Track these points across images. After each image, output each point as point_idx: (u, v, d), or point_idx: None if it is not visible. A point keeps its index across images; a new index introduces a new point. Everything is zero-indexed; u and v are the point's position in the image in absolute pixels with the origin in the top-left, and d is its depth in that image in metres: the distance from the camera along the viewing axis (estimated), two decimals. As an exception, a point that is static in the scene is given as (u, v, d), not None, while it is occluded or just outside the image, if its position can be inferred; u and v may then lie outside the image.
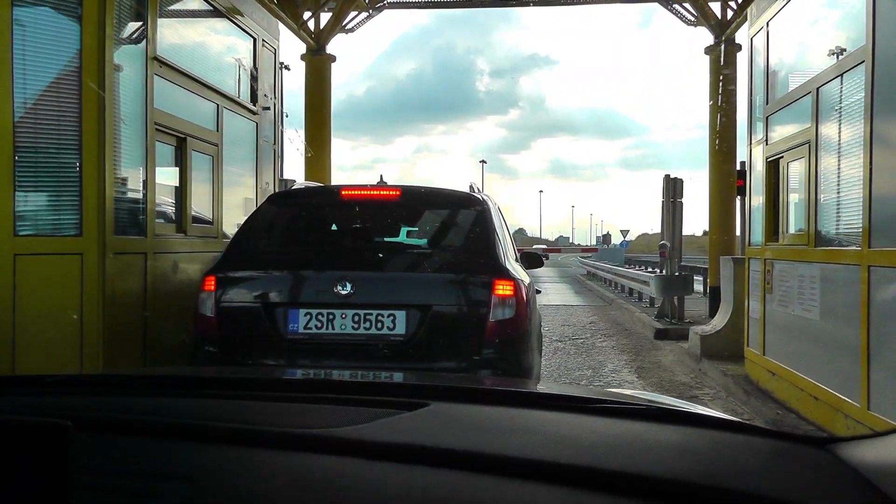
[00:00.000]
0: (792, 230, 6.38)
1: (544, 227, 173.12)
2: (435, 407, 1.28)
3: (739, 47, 13.17)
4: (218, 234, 6.40)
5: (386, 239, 5.60)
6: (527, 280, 4.70)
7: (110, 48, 4.73)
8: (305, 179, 13.97)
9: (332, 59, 13.94)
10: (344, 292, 4.06)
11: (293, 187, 7.96)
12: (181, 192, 5.87)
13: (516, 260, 5.25)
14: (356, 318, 4.09)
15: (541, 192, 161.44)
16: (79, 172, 4.61)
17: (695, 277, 14.69)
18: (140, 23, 5.19)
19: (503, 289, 4.12)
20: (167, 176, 5.75)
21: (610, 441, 1.15)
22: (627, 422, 1.28)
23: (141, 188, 5.21)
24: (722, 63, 13.13)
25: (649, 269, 21.89)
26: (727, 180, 13.02)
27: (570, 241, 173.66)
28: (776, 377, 6.41)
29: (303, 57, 13.79)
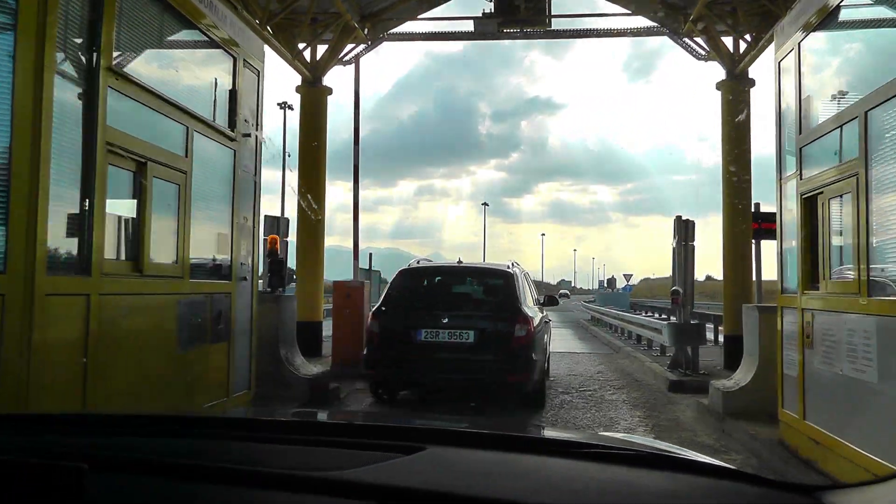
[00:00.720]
0: (836, 276, 5.61)
1: (546, 270, 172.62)
2: (432, 451, 1.34)
3: (753, 82, 12.60)
4: (183, 274, 5.64)
5: (463, 291, 9.65)
6: (537, 315, 9.24)
7: (52, 54, 4.03)
8: (298, 215, 13.28)
9: (329, 91, 13.35)
10: (444, 321, 8.29)
11: (415, 265, 9.64)
12: (139, 225, 5.12)
13: (535, 301, 9.98)
14: (449, 334, 8.27)
15: (542, 235, 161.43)
16: (5, 199, 3.86)
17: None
18: (92, 27, 4.49)
19: (521, 322, 8.33)
20: (122, 206, 5.02)
21: (601, 487, 1.22)
22: (619, 467, 1.32)
23: (86, 219, 4.45)
24: (732, 98, 12.50)
25: (658, 315, 21.13)
26: (742, 223, 12.31)
27: (572, 284, 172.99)
28: (820, 446, 5.57)
29: (298, 89, 13.20)
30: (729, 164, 12.65)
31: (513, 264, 9.49)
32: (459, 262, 9.71)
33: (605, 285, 45.01)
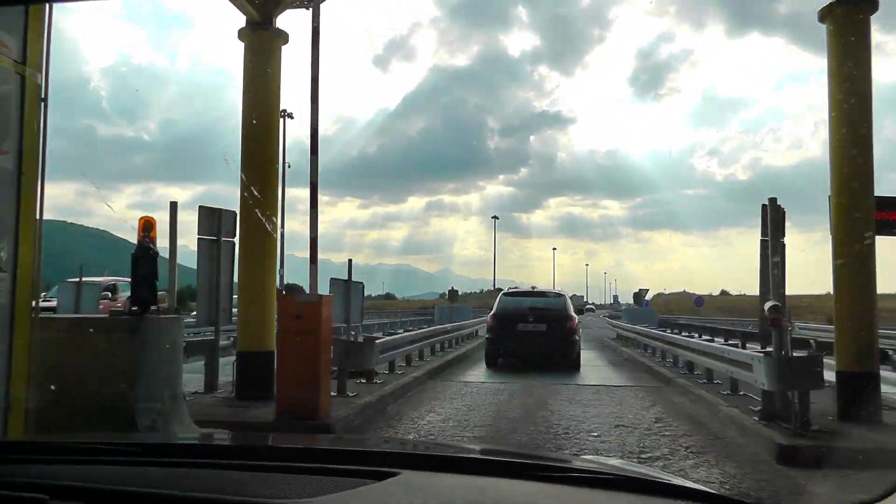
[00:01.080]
0: None
1: (557, 284, 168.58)
2: (405, 476, 1.34)
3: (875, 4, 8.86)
4: None
5: (539, 304, 16.98)
6: (576, 317, 17.27)
7: None
8: (241, 210, 9.78)
9: (284, 38, 9.81)
10: (530, 321, 16.28)
11: (512, 289, 19.81)
12: None
13: (575, 310, 18.05)
14: (532, 326, 16.19)
15: (554, 249, 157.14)
16: None
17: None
18: None
19: (570, 320, 16.60)
20: None
21: None
22: (594, 491, 1.35)
23: None
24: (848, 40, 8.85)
25: (710, 338, 17.40)
26: (862, 217, 8.70)
27: (584, 299, 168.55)
28: None
29: (241, 34, 9.69)
30: (840, 142, 8.98)
31: (562, 290, 20.97)
32: (534, 287, 19.62)
33: (633, 301, 41.18)
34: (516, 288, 19.28)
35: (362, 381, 11.57)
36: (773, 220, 8.84)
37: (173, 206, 9.15)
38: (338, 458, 1.59)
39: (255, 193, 9.40)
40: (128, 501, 1.19)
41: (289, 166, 56.54)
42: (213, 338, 10.37)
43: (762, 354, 8.38)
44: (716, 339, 17.38)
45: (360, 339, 11.80)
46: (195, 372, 10.41)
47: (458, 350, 20.37)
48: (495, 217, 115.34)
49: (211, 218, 10.30)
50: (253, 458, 1.61)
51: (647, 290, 47.15)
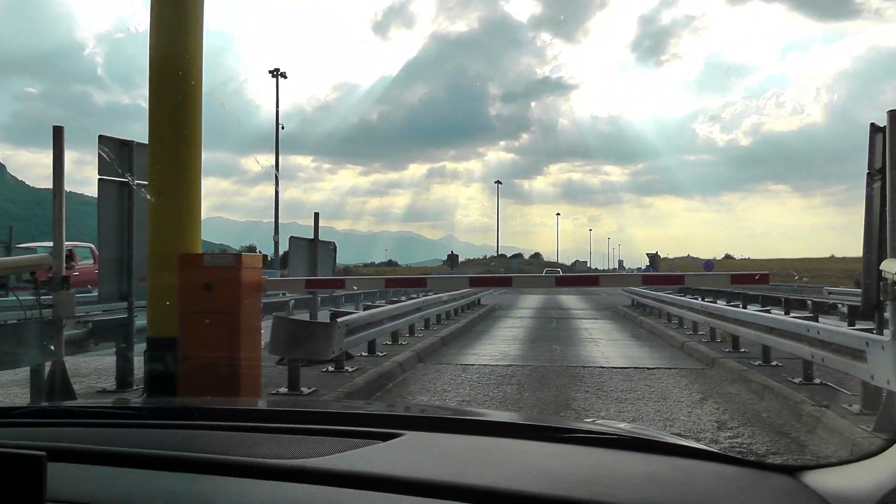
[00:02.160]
0: None
1: (561, 251, 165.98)
2: (409, 437, 1.34)
3: None
4: None
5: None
6: None
7: None
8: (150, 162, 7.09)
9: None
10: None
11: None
12: None
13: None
14: None
15: (558, 214, 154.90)
16: None
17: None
18: None
19: None
20: None
21: (582, 471, 1.21)
22: (600, 450, 1.33)
23: None
24: None
25: (729, 302, 14.88)
26: None
27: (588, 265, 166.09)
28: None
29: None
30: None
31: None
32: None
33: (650, 264, 38.59)
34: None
35: (329, 368, 9.05)
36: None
37: (57, 131, 6.57)
38: (343, 420, 1.59)
39: (169, 132, 6.70)
40: (127, 462, 1.17)
41: (283, 128, 53.92)
42: (125, 318, 7.81)
43: (877, 337, 5.80)
44: (773, 309, 14.79)
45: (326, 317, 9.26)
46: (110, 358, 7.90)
47: (456, 322, 17.85)
48: (498, 182, 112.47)
49: (120, 153, 7.68)
50: (256, 421, 1.59)
51: (656, 251, 44.59)
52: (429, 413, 1.92)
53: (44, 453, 0.80)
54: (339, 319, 8.10)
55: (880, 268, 6.31)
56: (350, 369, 9.18)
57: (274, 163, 52.06)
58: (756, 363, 10.22)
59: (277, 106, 50.22)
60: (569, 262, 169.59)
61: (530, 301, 31.61)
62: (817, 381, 8.50)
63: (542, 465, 1.21)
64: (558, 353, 12.35)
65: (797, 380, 8.63)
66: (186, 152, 6.70)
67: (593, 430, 1.53)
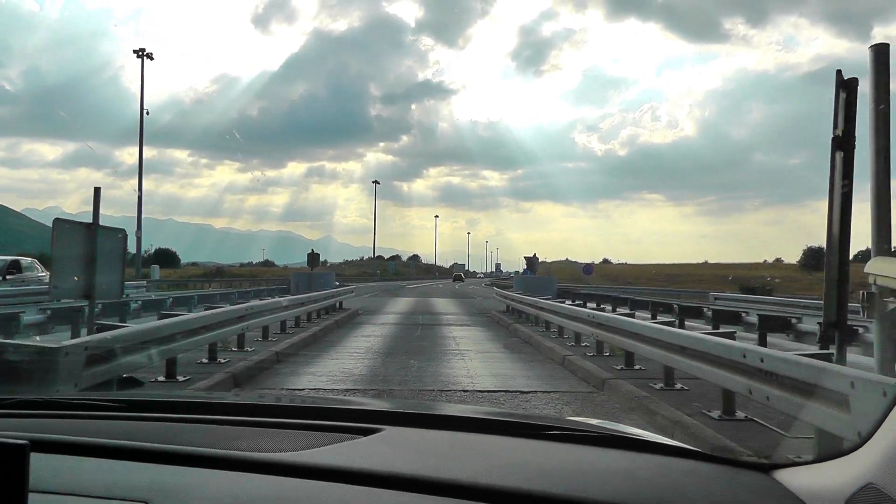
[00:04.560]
0: None
1: (439, 253, 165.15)
2: (389, 432, 1.33)
3: None
4: None
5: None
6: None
7: None
8: None
9: None
10: None
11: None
12: None
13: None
14: None
15: (437, 217, 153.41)
16: None
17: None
18: None
19: None
20: None
21: (559, 466, 1.19)
22: (577, 447, 1.33)
23: None
24: None
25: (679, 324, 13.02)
26: None
27: (466, 267, 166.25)
28: None
29: None
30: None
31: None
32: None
33: (527, 268, 37.05)
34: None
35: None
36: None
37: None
38: (324, 415, 1.57)
39: None
40: (109, 454, 1.16)
41: (147, 113, 48.92)
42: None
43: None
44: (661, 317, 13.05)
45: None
46: None
47: (305, 331, 15.15)
48: (376, 182, 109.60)
49: None
50: (238, 414, 1.58)
51: (536, 255, 43.44)
52: (409, 408, 1.86)
53: (27, 442, 0.78)
54: (84, 346, 5.30)
55: (865, 271, 4.38)
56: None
57: (137, 153, 46.90)
58: (657, 385, 8.31)
59: (142, 89, 45.47)
60: (447, 265, 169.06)
61: (400, 305, 29.24)
62: (740, 414, 6.60)
63: (521, 460, 1.23)
64: (414, 371, 9.98)
65: (714, 413, 6.70)
66: None
67: (571, 427, 1.49)
